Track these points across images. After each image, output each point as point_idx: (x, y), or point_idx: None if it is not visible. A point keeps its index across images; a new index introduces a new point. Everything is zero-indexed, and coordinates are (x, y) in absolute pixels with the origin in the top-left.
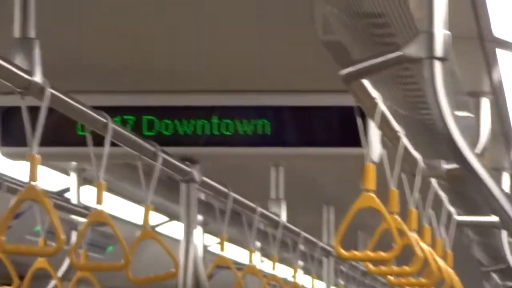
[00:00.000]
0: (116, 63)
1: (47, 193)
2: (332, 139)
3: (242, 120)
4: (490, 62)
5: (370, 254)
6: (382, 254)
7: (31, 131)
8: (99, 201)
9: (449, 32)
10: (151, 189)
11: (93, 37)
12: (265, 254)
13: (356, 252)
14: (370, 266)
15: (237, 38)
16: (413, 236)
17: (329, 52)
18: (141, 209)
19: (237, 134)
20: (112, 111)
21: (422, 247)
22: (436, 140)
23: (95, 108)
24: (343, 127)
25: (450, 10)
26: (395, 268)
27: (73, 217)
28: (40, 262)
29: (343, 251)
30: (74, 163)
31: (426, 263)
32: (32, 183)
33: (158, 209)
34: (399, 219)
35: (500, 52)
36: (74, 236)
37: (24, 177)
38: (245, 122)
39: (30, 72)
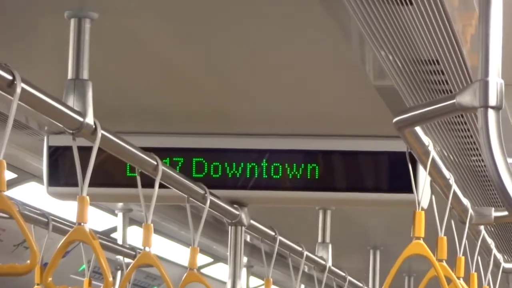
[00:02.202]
0: (166, 105)
1: (95, 234)
2: (380, 184)
3: (292, 164)
4: None
5: None
6: None
7: (81, 173)
8: (147, 243)
9: (502, 81)
10: (198, 231)
11: (144, 79)
12: None
13: None
14: None
15: (287, 83)
16: (461, 283)
17: (382, 96)
18: (184, 250)
19: (286, 178)
20: (162, 152)
21: None
22: (484, 186)
23: (145, 150)
24: (391, 173)
25: (502, 56)
26: None
27: (118, 257)
28: None
29: None
30: (121, 204)
31: None
32: (82, 224)
33: (203, 250)
34: (447, 266)
35: None
36: (118, 276)
37: (68, 215)
38: (294, 166)
39: (82, 114)
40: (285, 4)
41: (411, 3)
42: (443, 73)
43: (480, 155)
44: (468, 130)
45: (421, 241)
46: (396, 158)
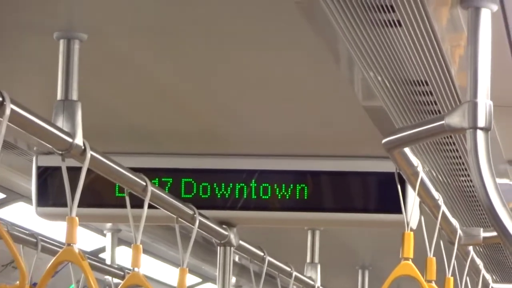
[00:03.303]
0: (155, 125)
1: (84, 254)
2: (368, 205)
3: (280, 185)
4: None
5: None
6: None
7: (70, 193)
8: (135, 263)
9: (491, 102)
10: (187, 251)
11: (133, 100)
12: None
13: None
14: None
15: (275, 104)
16: None
17: (370, 117)
18: (173, 270)
19: (275, 198)
20: (151, 173)
21: None
22: (474, 206)
23: (134, 170)
24: (380, 193)
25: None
26: None
27: (107, 277)
28: None
29: None
30: (109, 224)
31: None
32: (71, 245)
33: (191, 271)
34: (436, 287)
35: None
36: None
37: (56, 234)
38: (283, 186)
39: (71, 135)
40: (274, 26)
41: (400, 25)
42: (431, 94)
43: (468, 175)
44: (457, 150)
45: (410, 262)
46: (384, 178)
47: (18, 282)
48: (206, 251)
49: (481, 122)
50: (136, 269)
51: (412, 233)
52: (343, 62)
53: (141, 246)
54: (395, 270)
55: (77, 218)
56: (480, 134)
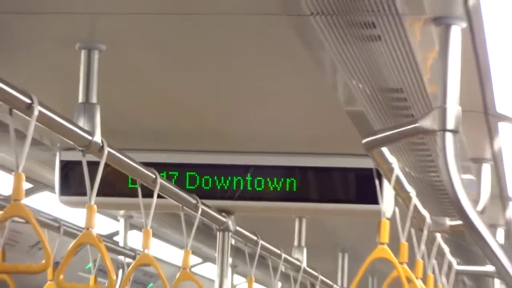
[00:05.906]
0: (164, 126)
1: (101, 237)
2: (350, 197)
3: (273, 178)
4: (492, 133)
5: None
6: None
7: (89, 184)
8: (146, 246)
9: (460, 107)
10: (191, 235)
11: (145, 104)
12: None
13: None
14: None
15: (270, 108)
16: (419, 283)
17: (352, 120)
18: (177, 251)
19: (268, 190)
20: (159, 167)
21: None
22: (441, 198)
23: (145, 164)
24: (359, 187)
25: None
26: None
27: (120, 257)
28: None
29: None
30: (122, 211)
31: None
32: (89, 229)
33: (193, 252)
34: (407, 268)
35: (501, 125)
36: (120, 273)
37: (76, 220)
38: (275, 179)
39: (91, 133)
40: (269, 42)
41: (380, 39)
42: (406, 100)
43: (437, 171)
44: (428, 150)
45: (385, 246)
46: (363, 173)
47: (43, 261)
48: (206, 235)
49: (450, 125)
50: (146, 250)
51: (387, 221)
52: (328, 71)
53: (151, 230)
54: (372, 253)
55: (95, 206)
56: (449, 136)
